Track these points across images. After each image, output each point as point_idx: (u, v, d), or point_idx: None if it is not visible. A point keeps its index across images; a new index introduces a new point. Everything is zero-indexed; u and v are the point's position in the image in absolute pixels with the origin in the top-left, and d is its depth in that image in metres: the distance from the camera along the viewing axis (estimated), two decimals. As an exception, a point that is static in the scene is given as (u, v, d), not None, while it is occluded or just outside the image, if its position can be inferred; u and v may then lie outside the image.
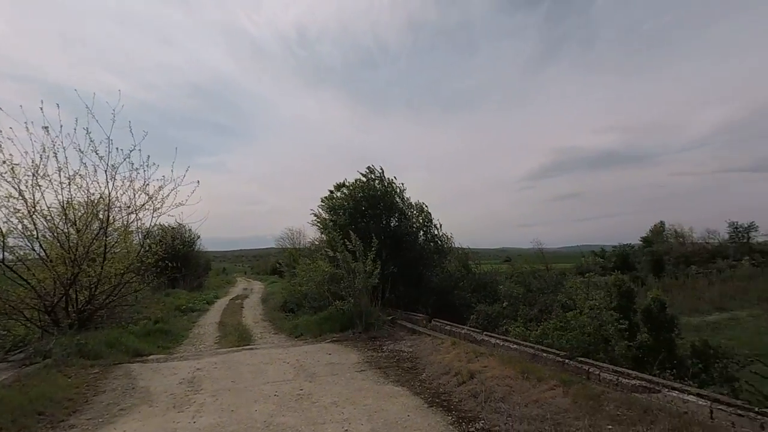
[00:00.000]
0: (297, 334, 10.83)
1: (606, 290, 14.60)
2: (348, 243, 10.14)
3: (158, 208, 10.08)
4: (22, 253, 8.87)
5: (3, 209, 8.46)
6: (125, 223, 10.09)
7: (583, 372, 5.45)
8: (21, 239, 8.76)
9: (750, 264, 37.25)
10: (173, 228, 20.00)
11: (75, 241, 9.21)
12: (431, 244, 13.86)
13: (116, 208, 9.83)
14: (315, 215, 13.20)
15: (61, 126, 8.80)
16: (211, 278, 38.85)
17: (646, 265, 38.94)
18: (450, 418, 4.54)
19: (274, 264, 44.07)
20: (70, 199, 9.26)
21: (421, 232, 13.68)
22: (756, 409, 3.53)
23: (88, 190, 9.47)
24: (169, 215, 10.29)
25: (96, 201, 9.56)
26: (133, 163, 9.68)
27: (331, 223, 12.55)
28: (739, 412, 3.63)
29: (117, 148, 9.46)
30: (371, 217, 12.56)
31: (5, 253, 8.56)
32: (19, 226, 8.57)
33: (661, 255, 40.72)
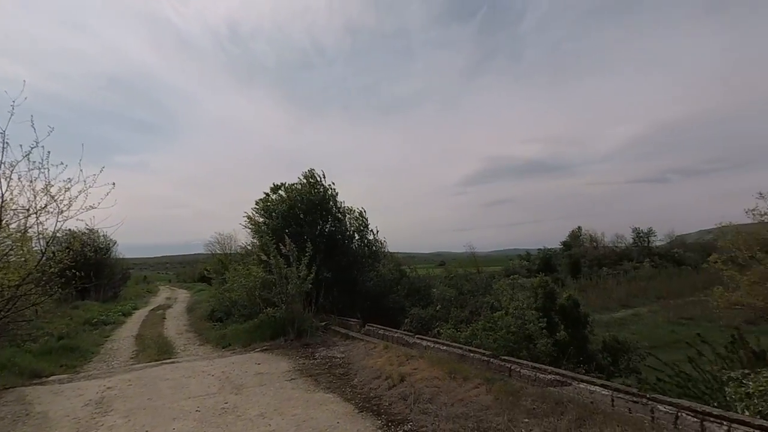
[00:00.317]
0: (225, 345, 10.28)
1: (531, 291, 15.68)
2: (282, 247, 9.85)
3: (64, 211, 9.02)
4: None
5: None
6: (22, 227, 8.91)
7: (506, 369, 5.74)
8: None
9: (650, 265, 42.09)
10: (83, 233, 18.09)
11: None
12: (366, 248, 13.91)
13: (11, 211, 8.65)
14: (248, 218, 12.67)
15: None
16: (129, 288, 35.69)
17: (565, 267, 42.40)
18: (379, 422, 4.55)
19: (202, 271, 41.56)
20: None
21: (356, 237, 13.67)
22: (648, 396, 3.94)
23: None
24: (78, 219, 9.25)
25: (-18, 202, 8.33)
26: (33, 161, 8.59)
27: (264, 227, 12.12)
28: (635, 399, 4.04)
29: (19, 145, 8.34)
30: (307, 222, 12.33)
31: None
32: None
33: (578, 258, 44.58)
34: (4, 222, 8.55)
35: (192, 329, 14.46)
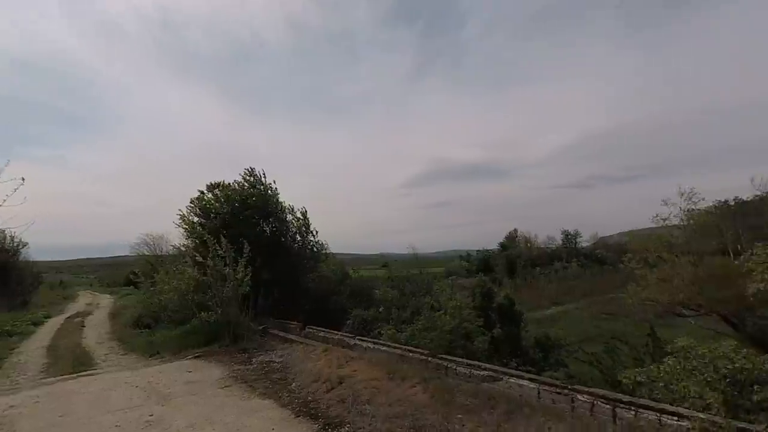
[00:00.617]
0: (152, 353, 9.56)
1: (470, 291, 16.30)
2: (218, 248, 9.39)
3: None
4: None
5: None
6: None
7: (443, 368, 5.90)
8: None
9: (577, 265, 45.54)
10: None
11: None
12: (309, 250, 13.66)
13: None
14: (182, 217, 11.91)
15: None
16: (42, 294, 32.19)
17: (502, 267, 44.63)
18: (316, 426, 4.47)
19: (128, 274, 38.51)
20: None
21: (299, 238, 13.39)
22: (569, 387, 4.24)
23: None
24: (-26, 218, 8.16)
25: None
26: None
27: (200, 227, 11.47)
28: (558, 390, 4.33)
29: None
30: (246, 222, 11.87)
31: None
32: None
33: (514, 258, 47.12)
34: None
35: (115, 337, 13.30)
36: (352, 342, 7.70)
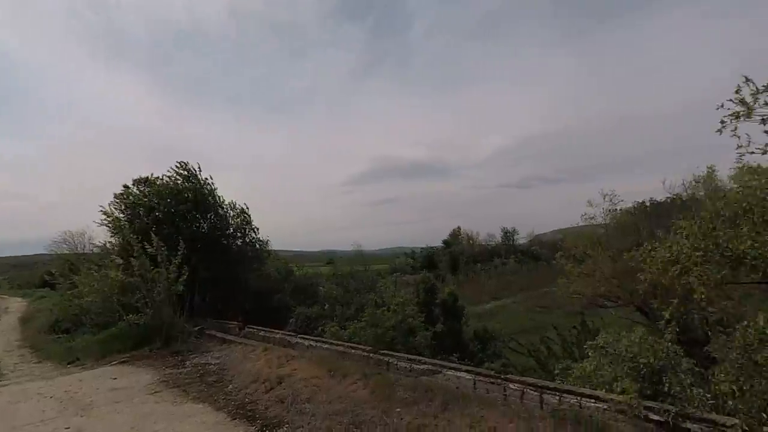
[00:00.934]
0: (71, 360, 8.74)
1: (415, 287, 16.63)
2: (149, 246, 8.77)
3: None
4: None
5: None
6: None
7: (384, 363, 5.98)
8: None
9: (515, 261, 48.04)
10: None
11: None
12: (251, 247, 13.18)
13: None
14: (105, 213, 10.93)
15: None
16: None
17: (446, 264, 45.96)
18: (253, 428, 4.34)
19: (43, 274, 34.85)
20: None
21: (240, 235, 12.87)
22: (501, 377, 4.47)
23: None
24: None
25: None
26: None
27: (126, 224, 10.61)
28: (491, 380, 4.55)
29: None
30: (181, 218, 11.19)
31: None
32: None
33: (457, 255, 48.72)
34: None
35: (27, 344, 11.98)
36: (294, 341, 7.56)
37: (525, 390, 4.32)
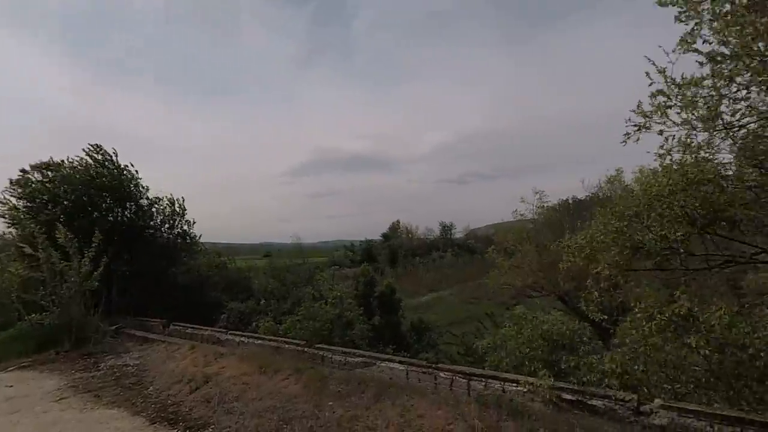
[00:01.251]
0: (-43, 367, 7.66)
1: (354, 280, 16.63)
2: (59, 236, 7.88)
3: None
4: None
5: None
6: None
7: (319, 357, 5.90)
8: None
9: (452, 255, 49.88)
10: None
11: None
12: (180, 239, 12.34)
13: None
14: (0, 202, 9.59)
15: None
16: None
17: (385, 257, 46.55)
18: (176, 431, 4.08)
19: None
20: None
21: (167, 226, 11.98)
22: (432, 366, 4.60)
23: None
24: None
25: None
26: None
27: (25, 214, 9.39)
28: (423, 370, 4.66)
29: None
30: (96, 207, 10.16)
31: None
32: None
33: (396, 248, 49.56)
34: None
35: None
36: (224, 337, 7.22)
37: (454, 378, 4.48)
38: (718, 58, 3.45)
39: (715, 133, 3.83)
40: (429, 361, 4.90)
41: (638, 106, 3.99)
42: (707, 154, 3.97)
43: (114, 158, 10.76)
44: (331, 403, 4.16)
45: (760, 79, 3.24)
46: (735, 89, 3.51)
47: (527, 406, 3.48)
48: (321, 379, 4.66)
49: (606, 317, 4.62)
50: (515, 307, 7.67)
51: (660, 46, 3.70)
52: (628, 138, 4.11)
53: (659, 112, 3.86)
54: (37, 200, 9.58)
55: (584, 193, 18.82)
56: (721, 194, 3.90)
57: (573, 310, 9.74)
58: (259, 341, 6.80)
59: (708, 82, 3.56)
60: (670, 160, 4.11)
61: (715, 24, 3.39)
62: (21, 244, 8.37)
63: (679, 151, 4.02)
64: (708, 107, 3.62)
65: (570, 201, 21.29)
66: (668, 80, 3.77)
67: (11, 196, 9.55)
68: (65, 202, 9.68)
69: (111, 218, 10.39)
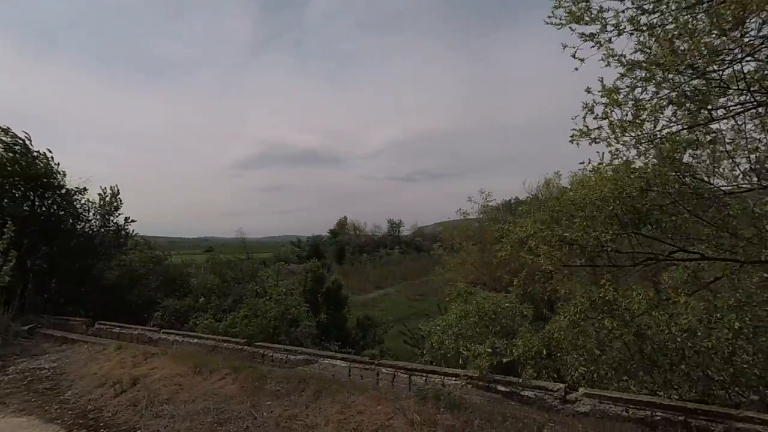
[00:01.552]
0: None
1: (302, 275, 16.26)
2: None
3: None
4: None
5: None
6: None
7: (259, 356, 5.72)
8: None
9: (399, 252, 50.51)
10: None
11: None
12: (110, 233, 11.38)
13: None
14: None
15: None
16: None
17: (332, 253, 46.12)
18: (95, 439, 3.77)
19: None
20: None
21: (95, 219, 11.01)
22: (375, 362, 4.61)
23: None
24: None
25: None
26: None
27: None
28: (366, 367, 4.66)
29: None
30: (4, 194, 9.11)
31: None
32: None
33: (343, 245, 49.28)
34: None
35: None
36: (156, 336, 6.79)
37: (396, 373, 4.53)
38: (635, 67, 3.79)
39: (641, 143, 4.19)
40: (371, 358, 4.92)
41: (582, 116, 4.26)
42: (637, 159, 4.33)
43: (26, 142, 9.66)
44: (269, 402, 4.04)
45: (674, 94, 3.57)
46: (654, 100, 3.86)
47: (464, 399, 3.59)
48: (259, 378, 4.51)
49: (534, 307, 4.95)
50: (458, 285, 7.94)
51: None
52: (572, 141, 4.39)
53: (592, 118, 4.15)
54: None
55: (525, 193, 19.84)
56: (646, 201, 4.26)
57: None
58: (196, 340, 6.47)
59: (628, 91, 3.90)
60: (602, 167, 4.46)
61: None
62: None
63: (611, 158, 4.37)
64: (631, 115, 3.94)
65: (512, 201, 22.37)
66: (604, 90, 4.06)
67: None
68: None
69: (26, 208, 9.37)
